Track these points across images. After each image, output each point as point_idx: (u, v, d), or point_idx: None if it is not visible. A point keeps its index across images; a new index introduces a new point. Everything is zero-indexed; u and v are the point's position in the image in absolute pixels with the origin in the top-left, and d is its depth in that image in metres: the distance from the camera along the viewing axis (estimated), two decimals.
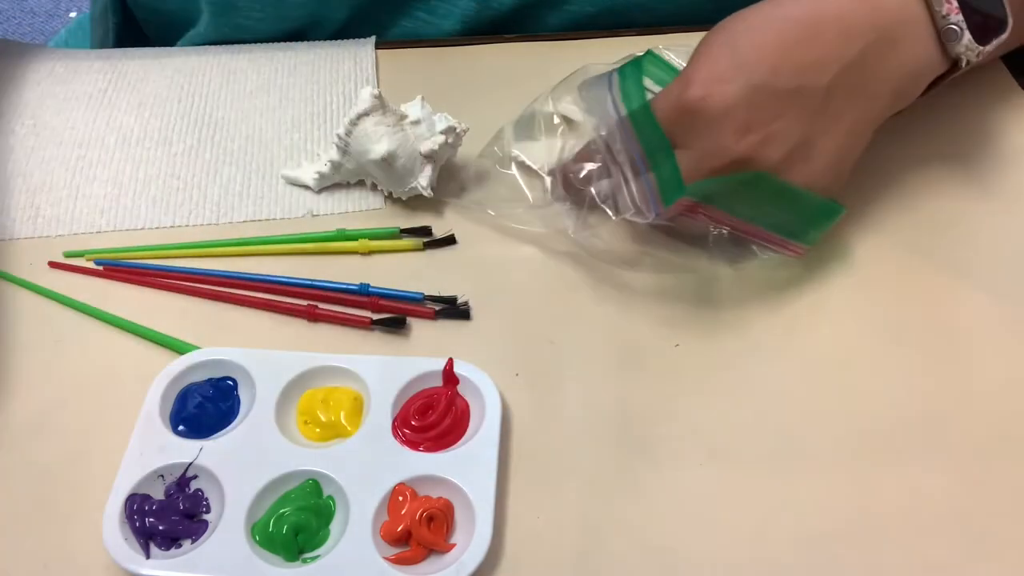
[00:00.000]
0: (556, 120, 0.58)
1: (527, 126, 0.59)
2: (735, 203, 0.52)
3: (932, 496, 0.46)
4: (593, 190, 0.53)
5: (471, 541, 0.43)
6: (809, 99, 0.50)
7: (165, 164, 0.62)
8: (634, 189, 0.51)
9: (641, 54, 0.55)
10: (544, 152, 0.58)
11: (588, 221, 0.54)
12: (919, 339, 0.53)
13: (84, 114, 0.65)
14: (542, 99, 0.59)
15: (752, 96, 0.49)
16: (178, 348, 0.52)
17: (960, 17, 0.51)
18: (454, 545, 0.44)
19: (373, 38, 0.70)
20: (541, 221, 0.56)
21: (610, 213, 0.52)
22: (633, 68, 0.54)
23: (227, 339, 0.52)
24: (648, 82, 0.54)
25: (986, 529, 0.45)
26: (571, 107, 0.58)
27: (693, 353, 0.52)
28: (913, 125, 0.62)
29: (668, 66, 0.55)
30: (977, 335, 0.53)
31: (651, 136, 0.51)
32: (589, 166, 0.53)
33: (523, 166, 0.58)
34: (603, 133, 0.53)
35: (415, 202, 0.59)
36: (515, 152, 0.58)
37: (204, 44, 0.72)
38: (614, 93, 0.53)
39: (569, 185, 0.55)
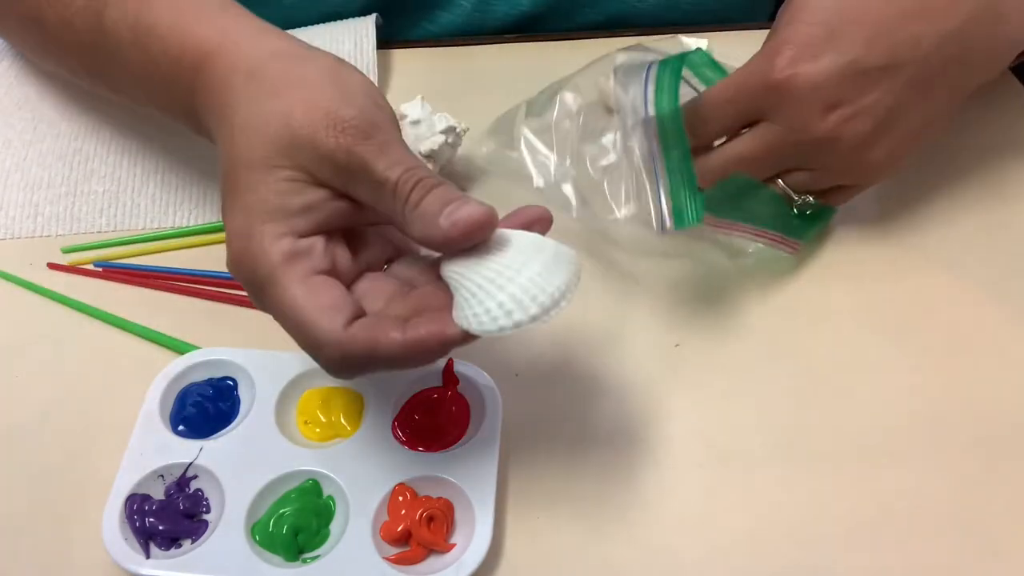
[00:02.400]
0: (576, 105, 0.56)
1: (543, 107, 0.58)
2: (733, 209, 0.51)
3: (932, 496, 0.46)
4: (605, 183, 0.52)
5: (471, 541, 0.43)
6: (903, 72, 0.49)
7: (162, 154, 0.61)
8: (648, 196, 0.50)
9: (691, 51, 0.53)
10: (556, 133, 0.57)
11: (591, 204, 0.53)
12: (919, 339, 0.53)
13: (81, 104, 0.65)
14: (564, 81, 0.57)
15: (841, 73, 0.48)
16: (178, 348, 0.52)
17: None
18: (454, 545, 0.44)
19: (373, 16, 0.68)
20: (545, 202, 0.55)
21: (615, 211, 0.51)
22: (675, 64, 0.52)
23: (227, 339, 0.52)
24: (696, 81, 0.53)
25: (986, 529, 0.45)
26: (604, 88, 0.56)
27: (693, 353, 0.52)
28: None
29: (717, 66, 0.53)
30: (978, 334, 0.53)
31: (675, 147, 0.49)
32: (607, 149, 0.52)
33: (531, 147, 0.57)
34: (628, 124, 0.51)
35: None
36: (525, 131, 0.57)
37: None
38: (648, 87, 0.51)
39: None
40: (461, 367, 0.49)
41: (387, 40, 0.70)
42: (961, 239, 0.57)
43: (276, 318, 0.40)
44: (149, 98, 0.52)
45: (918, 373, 0.51)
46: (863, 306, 0.54)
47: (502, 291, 0.37)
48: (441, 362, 0.49)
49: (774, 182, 0.52)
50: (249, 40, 0.45)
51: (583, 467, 0.48)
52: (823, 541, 0.45)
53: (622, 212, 0.52)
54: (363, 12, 0.69)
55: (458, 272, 0.39)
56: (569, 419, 0.50)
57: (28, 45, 0.63)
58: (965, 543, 0.45)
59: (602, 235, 0.55)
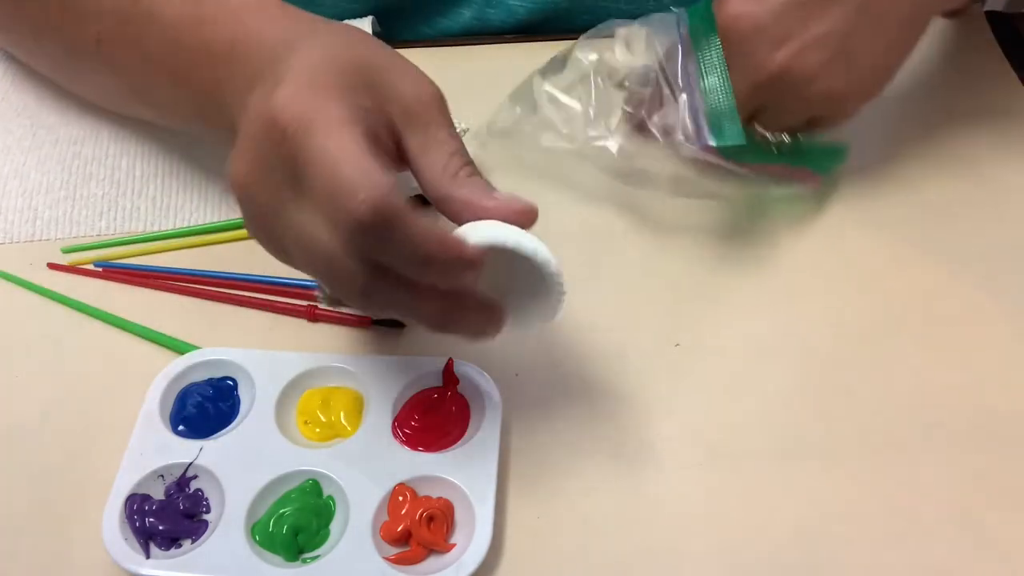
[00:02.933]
0: (587, 61, 0.57)
1: (559, 68, 0.59)
2: (737, 153, 0.52)
3: (932, 494, 0.46)
4: (644, 113, 0.53)
5: (471, 541, 0.43)
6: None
7: (161, 157, 0.62)
8: (686, 114, 0.52)
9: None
10: (579, 84, 0.58)
11: (623, 147, 0.54)
12: (919, 336, 0.52)
13: (79, 107, 0.65)
14: (573, 44, 0.58)
15: (783, 8, 0.49)
16: (178, 348, 0.52)
17: None
18: (454, 545, 0.44)
19: (369, 18, 0.68)
20: (575, 152, 0.56)
21: (657, 135, 0.53)
22: (705, 6, 0.53)
23: (227, 339, 0.52)
24: None
25: (988, 527, 0.45)
26: (616, 51, 0.57)
27: (693, 352, 0.52)
28: (913, 119, 0.62)
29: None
30: (977, 330, 0.53)
31: (712, 71, 0.51)
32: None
33: (555, 102, 0.57)
34: (661, 56, 0.53)
35: (415, 201, 0.59)
36: (548, 88, 0.58)
37: None
38: (681, 26, 0.53)
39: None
40: (461, 367, 0.49)
41: (386, 41, 0.70)
42: (964, 235, 0.57)
43: (302, 164, 0.39)
44: (170, 56, 0.50)
45: (918, 371, 0.51)
46: (862, 303, 0.54)
47: (518, 231, 0.41)
48: (441, 362, 0.49)
49: (751, 125, 0.53)
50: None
51: (583, 466, 0.48)
52: (823, 540, 0.45)
53: (653, 136, 0.53)
54: (361, 17, 0.69)
55: (473, 225, 0.41)
56: (569, 419, 0.50)
57: (31, 16, 0.59)
58: (967, 541, 0.45)
59: (629, 178, 0.56)
